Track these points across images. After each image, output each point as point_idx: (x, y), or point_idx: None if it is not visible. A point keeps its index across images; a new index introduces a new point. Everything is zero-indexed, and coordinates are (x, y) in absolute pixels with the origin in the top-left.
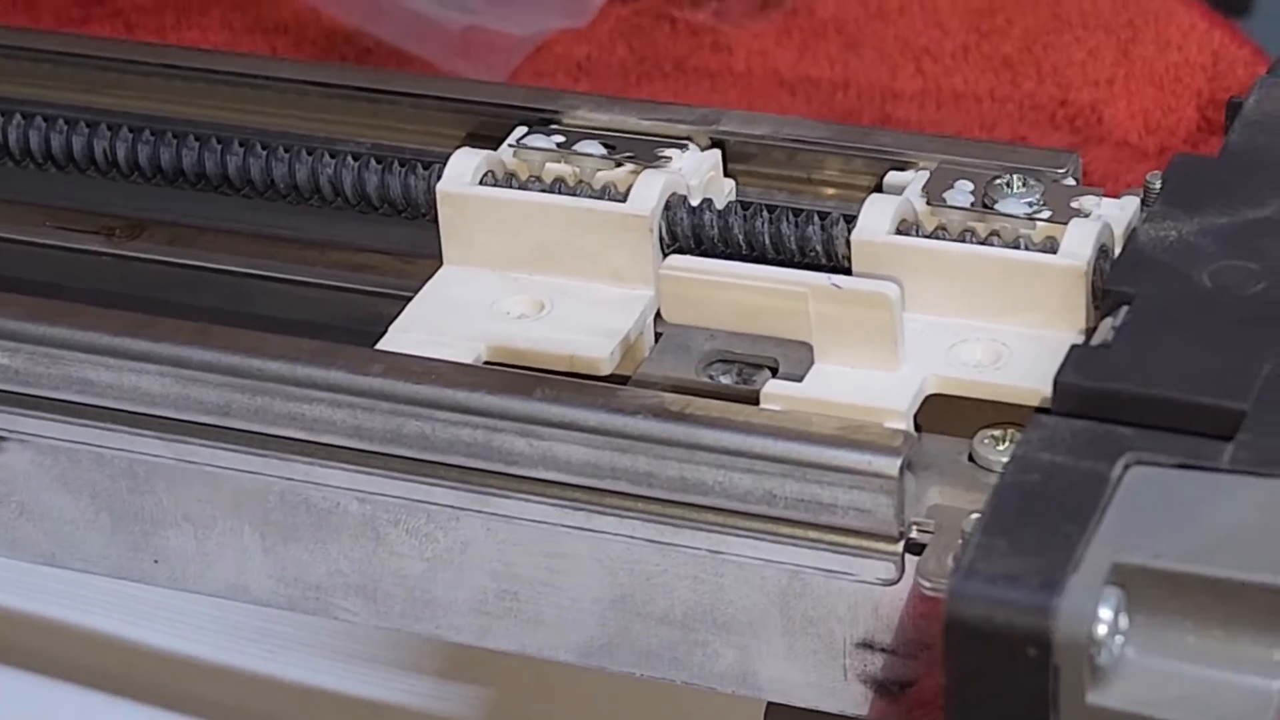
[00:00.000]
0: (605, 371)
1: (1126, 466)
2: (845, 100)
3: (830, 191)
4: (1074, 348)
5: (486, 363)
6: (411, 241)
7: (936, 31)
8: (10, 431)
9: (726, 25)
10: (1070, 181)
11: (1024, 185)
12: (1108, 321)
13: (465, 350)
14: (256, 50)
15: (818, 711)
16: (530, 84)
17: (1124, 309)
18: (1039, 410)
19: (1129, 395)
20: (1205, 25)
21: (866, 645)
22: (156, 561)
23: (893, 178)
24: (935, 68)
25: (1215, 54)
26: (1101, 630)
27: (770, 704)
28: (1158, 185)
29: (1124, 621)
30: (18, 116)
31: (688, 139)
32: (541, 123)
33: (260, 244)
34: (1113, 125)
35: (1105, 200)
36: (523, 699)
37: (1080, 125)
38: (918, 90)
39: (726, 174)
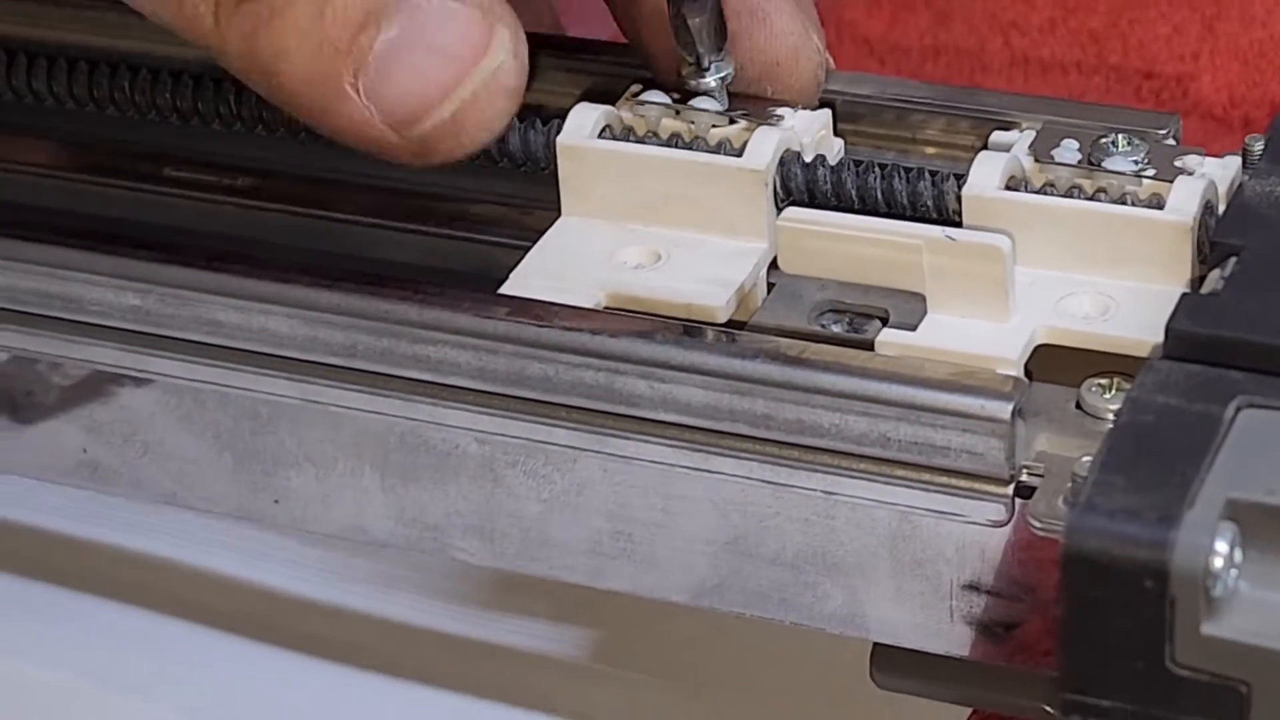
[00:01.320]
0: (721, 319)
1: (1238, 409)
2: (934, 70)
3: (935, 151)
4: (1184, 296)
5: (605, 309)
6: (526, 195)
7: (1024, 5)
8: (139, 371)
9: None
10: (1171, 142)
11: (1129, 144)
12: (1216, 272)
13: (585, 297)
14: None
15: (923, 652)
16: None
17: (1231, 260)
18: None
19: (1238, 341)
20: None
21: (973, 587)
22: (277, 501)
23: (998, 137)
24: (1023, 40)
25: None
26: (1217, 563)
27: (876, 645)
28: (1257, 148)
29: (1238, 556)
30: (143, 71)
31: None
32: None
33: (380, 196)
34: (1198, 99)
35: (1208, 160)
36: (630, 641)
37: (1166, 99)
38: (1005, 62)
39: (836, 133)
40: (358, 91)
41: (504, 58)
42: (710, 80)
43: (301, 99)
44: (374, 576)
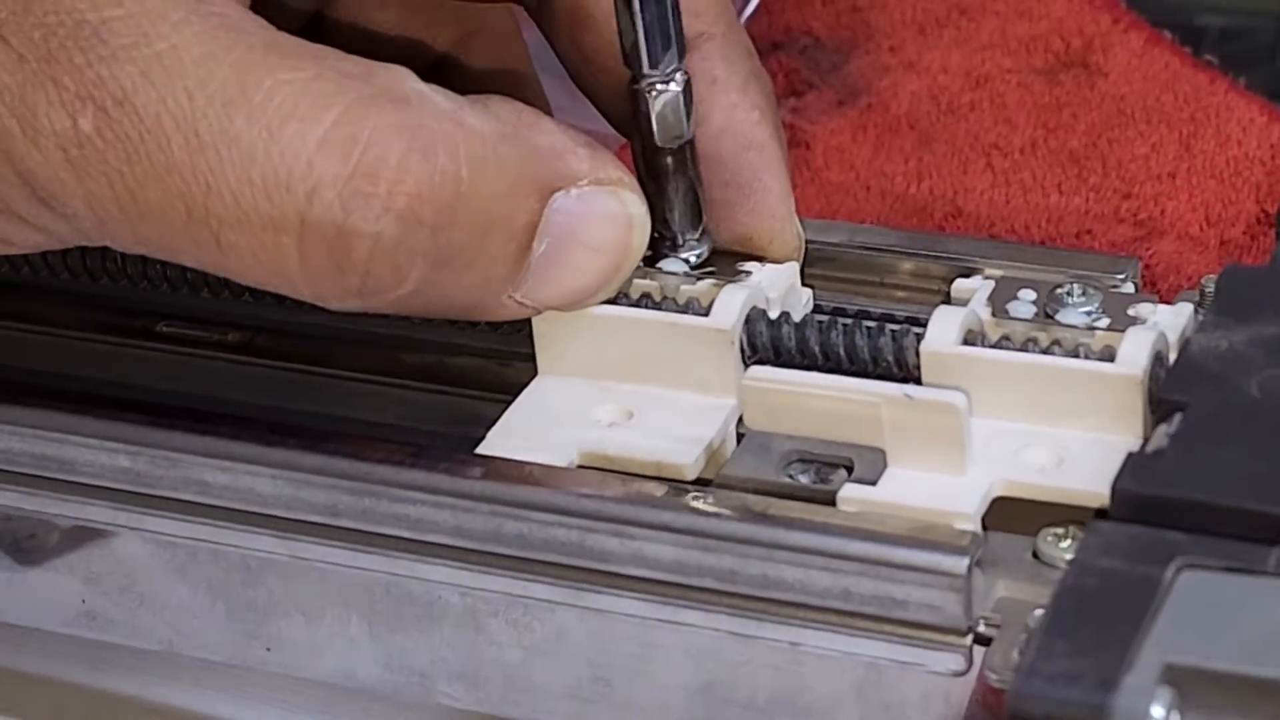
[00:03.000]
0: (690, 477)
1: (1179, 570)
2: (918, 194)
3: (902, 294)
4: (1130, 455)
5: (579, 467)
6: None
7: (1005, 127)
8: (132, 527)
9: (805, 122)
10: (1129, 287)
11: (1083, 294)
12: (1162, 428)
13: (559, 456)
14: None
15: None
16: None
17: (1177, 416)
18: (1098, 515)
19: (1181, 501)
20: (1264, 119)
21: None
22: (269, 649)
23: (960, 285)
24: (1004, 162)
25: (1274, 148)
26: None
27: None
28: (1212, 288)
29: (1175, 718)
30: None
31: None
32: None
33: (363, 351)
34: (1175, 218)
35: (1161, 307)
36: None
37: (1144, 219)
38: (988, 185)
39: (804, 281)
40: (517, 300)
41: (641, 221)
42: (683, 257)
43: (458, 314)
44: (366, 716)
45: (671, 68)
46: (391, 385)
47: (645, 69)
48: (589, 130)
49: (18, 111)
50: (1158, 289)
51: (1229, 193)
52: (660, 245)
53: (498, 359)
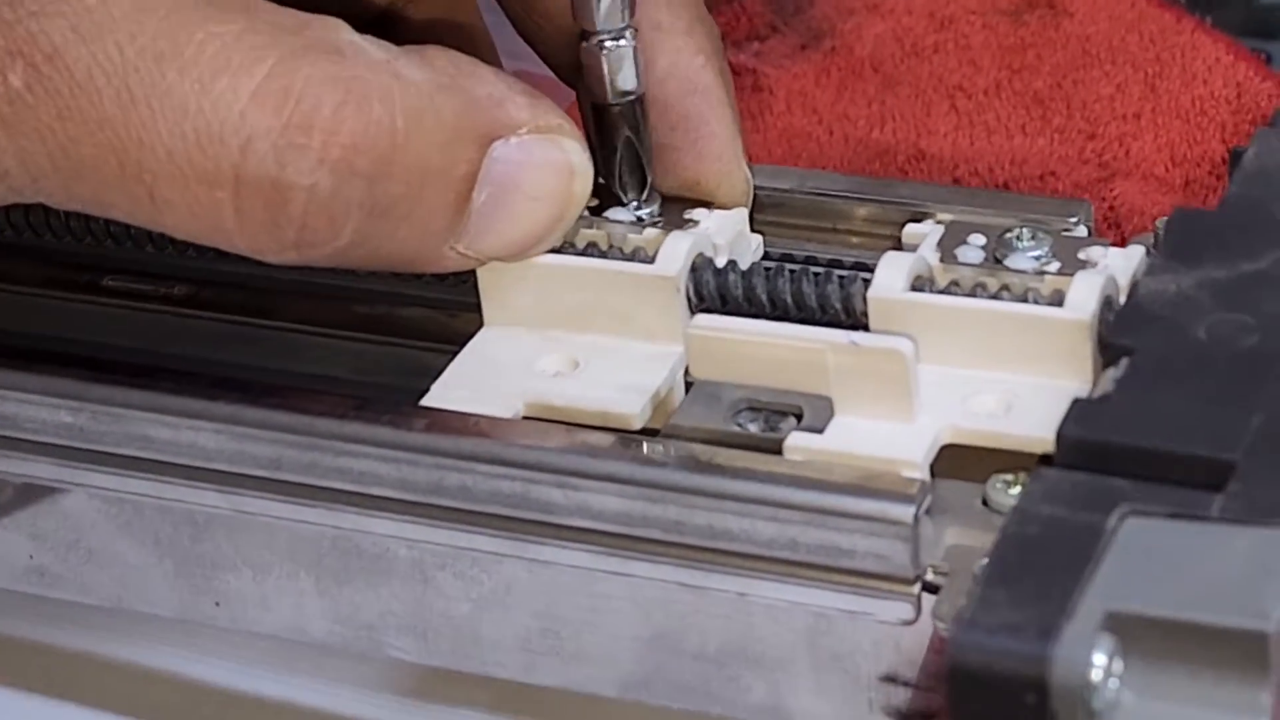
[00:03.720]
0: (637, 426)
1: (1122, 517)
2: (881, 138)
3: (855, 240)
4: (1076, 401)
5: (525, 418)
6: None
7: (970, 69)
8: (76, 483)
9: (767, 67)
10: (1081, 231)
11: (1033, 238)
12: (1109, 373)
13: (504, 407)
14: None
15: None
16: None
17: (1124, 361)
18: (1042, 461)
19: (1126, 448)
20: (1230, 59)
21: (889, 679)
22: (218, 604)
23: (911, 230)
24: (968, 104)
25: (1239, 86)
26: (1096, 675)
27: None
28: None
29: (1118, 666)
30: None
31: None
32: None
33: (309, 303)
34: (1140, 159)
35: (1112, 250)
36: None
37: (1108, 159)
38: (951, 127)
39: (754, 227)
40: (459, 251)
41: (583, 169)
42: (629, 215)
43: (399, 267)
44: (318, 670)
45: (622, 24)
46: (338, 337)
47: (596, 24)
48: (541, 80)
49: None
50: (1122, 230)
51: (1194, 133)
52: (608, 200)
53: (444, 310)
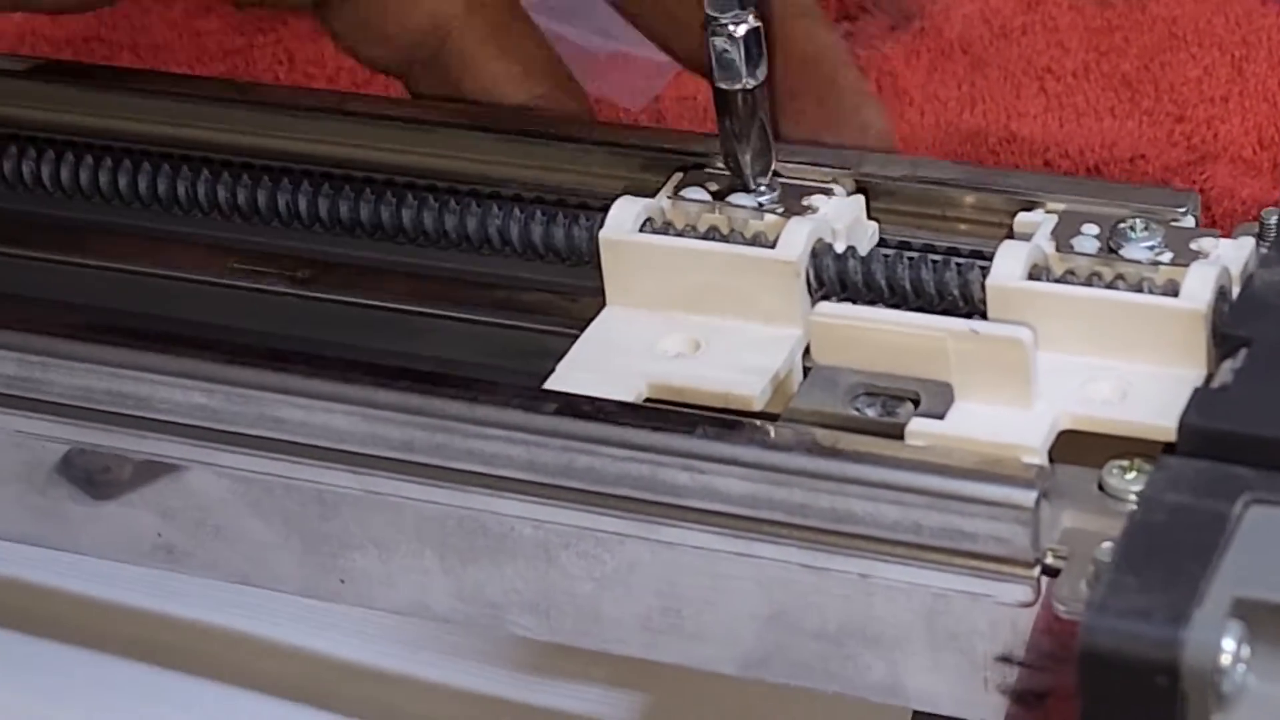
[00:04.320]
0: (757, 408)
1: (1246, 505)
2: (971, 119)
3: (963, 227)
4: (1196, 391)
5: (646, 399)
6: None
7: (1058, 50)
8: (207, 463)
9: (857, 47)
10: (1190, 221)
11: (1146, 229)
12: (1227, 364)
13: (627, 388)
14: None
15: (960, 719)
16: (671, 109)
17: (1242, 352)
18: (1165, 450)
19: (1248, 437)
20: None
21: (1005, 659)
22: (343, 581)
23: (1023, 219)
24: (1057, 86)
25: None
26: (1225, 660)
27: (916, 712)
28: (1274, 221)
29: (1246, 651)
30: (203, 170)
31: (833, 182)
32: (696, 166)
33: (431, 285)
34: (1228, 141)
35: (1223, 242)
36: (684, 705)
37: (1196, 142)
38: (1040, 109)
39: (870, 214)
40: None
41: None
42: (750, 201)
43: None
44: (438, 644)
45: (743, 9)
46: (460, 320)
47: (710, 9)
48: (639, 61)
49: None
50: (1212, 213)
51: None
52: (731, 185)
53: (565, 293)
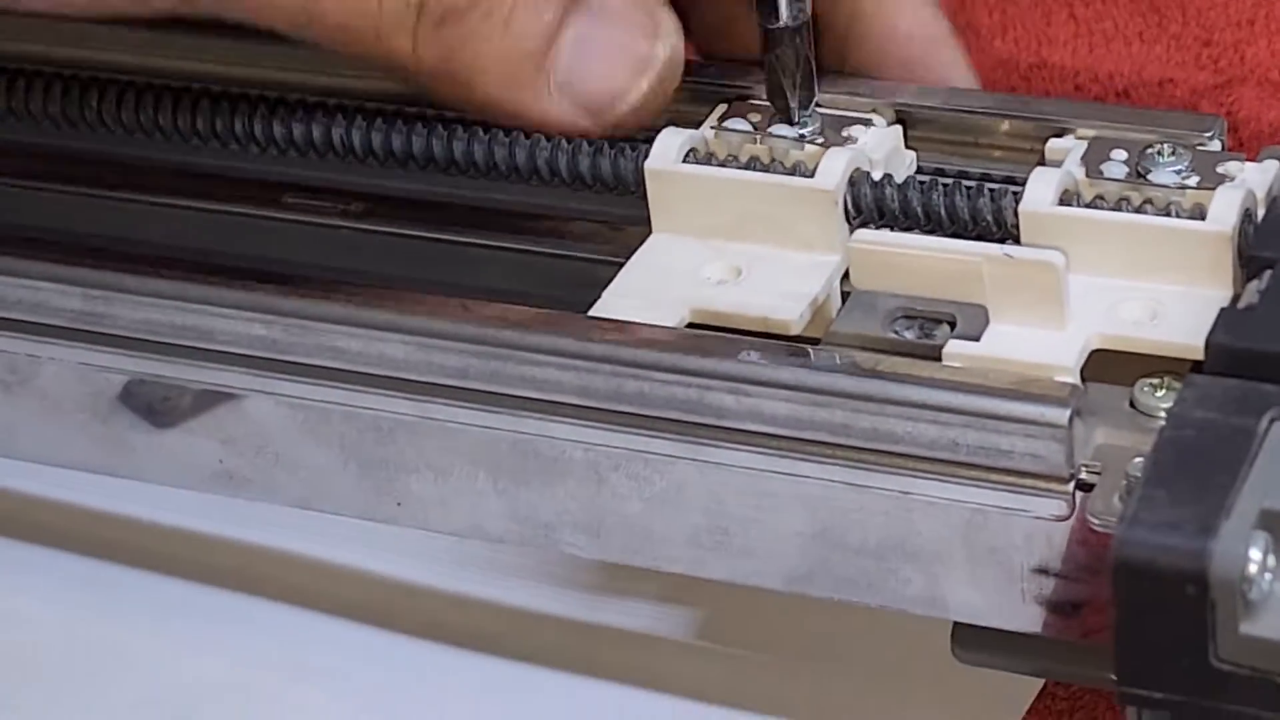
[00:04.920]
0: (795, 331)
1: (1271, 421)
2: (1003, 46)
3: (998, 154)
4: (1223, 311)
5: (689, 324)
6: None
7: None
8: (267, 392)
9: None
10: (1215, 145)
11: (1173, 154)
12: (1253, 285)
13: (671, 313)
14: None
15: (999, 629)
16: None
17: (1267, 273)
18: (1193, 369)
19: (1273, 355)
20: None
21: (1042, 571)
22: (400, 504)
23: (1054, 145)
24: (1087, 12)
25: None
26: (1252, 569)
27: (956, 624)
28: None
29: (1272, 560)
30: (260, 106)
31: (873, 113)
32: (740, 99)
33: (484, 216)
34: (1254, 64)
35: (1248, 165)
36: (732, 620)
37: (1224, 65)
38: (1070, 35)
39: (908, 144)
40: (551, 90)
41: (674, 39)
42: (792, 132)
43: (500, 105)
44: (491, 565)
45: None
46: (509, 250)
47: None
48: None
49: None
50: (1239, 135)
51: None
52: (770, 119)
53: (612, 223)
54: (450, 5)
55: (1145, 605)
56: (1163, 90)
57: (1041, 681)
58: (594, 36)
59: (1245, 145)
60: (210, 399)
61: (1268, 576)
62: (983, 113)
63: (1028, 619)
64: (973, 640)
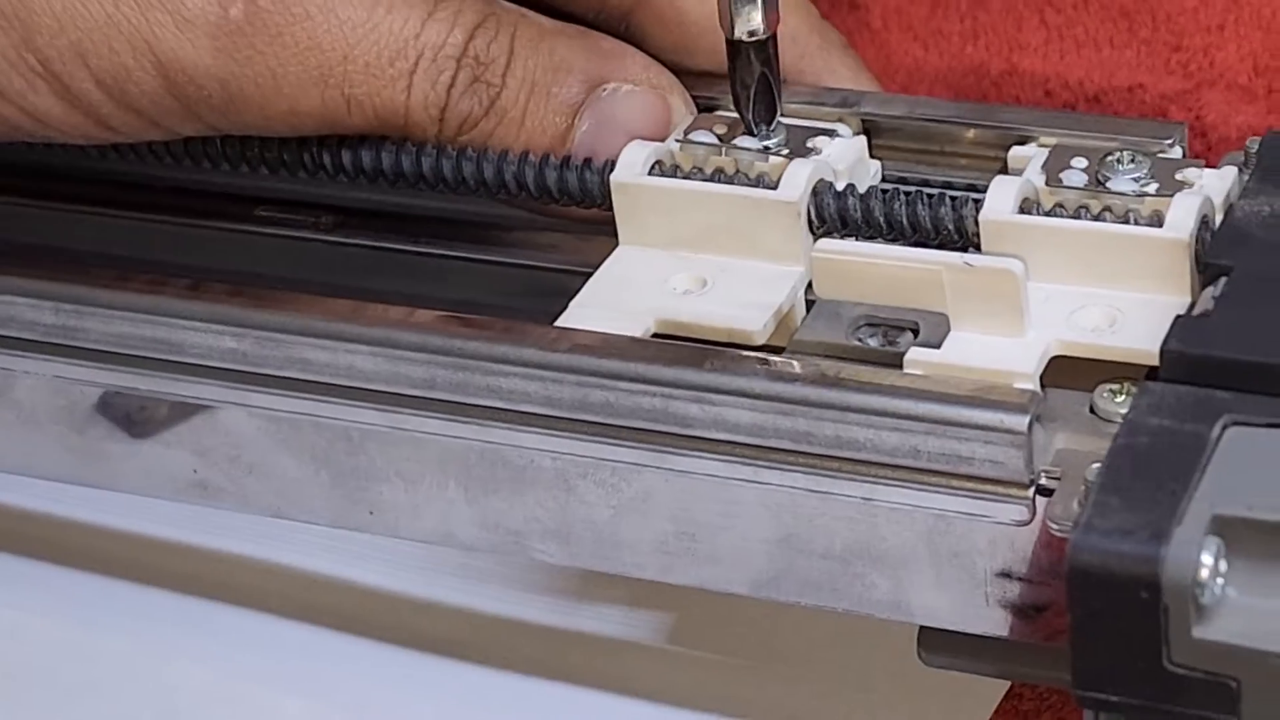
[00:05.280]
0: (759, 341)
1: (1225, 427)
2: (974, 52)
3: (963, 162)
4: (1178, 318)
5: (655, 334)
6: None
7: None
8: (239, 403)
9: None
10: (1176, 152)
11: (1133, 161)
12: (1208, 291)
13: (637, 324)
14: None
15: (963, 633)
16: None
17: (1223, 280)
18: (1148, 376)
19: (1227, 361)
20: None
21: (1005, 575)
22: (372, 513)
23: (1016, 152)
24: (1057, 18)
25: None
26: (1204, 574)
27: (922, 627)
28: (1255, 150)
29: (1224, 566)
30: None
31: (839, 121)
32: (705, 109)
33: (452, 228)
34: (1224, 69)
35: (1207, 172)
36: (701, 624)
37: (1193, 70)
38: (1041, 41)
39: (872, 153)
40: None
41: (682, 123)
42: (756, 144)
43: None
44: (463, 571)
45: None
46: (477, 261)
47: None
48: None
49: (170, 5)
50: (1208, 139)
51: (1277, 43)
52: (737, 131)
53: (579, 234)
54: (467, 113)
55: (1100, 610)
56: (1132, 95)
57: (1007, 684)
58: (605, 126)
59: (1214, 148)
60: (183, 410)
61: (1219, 581)
62: (947, 121)
63: (992, 622)
64: (938, 644)
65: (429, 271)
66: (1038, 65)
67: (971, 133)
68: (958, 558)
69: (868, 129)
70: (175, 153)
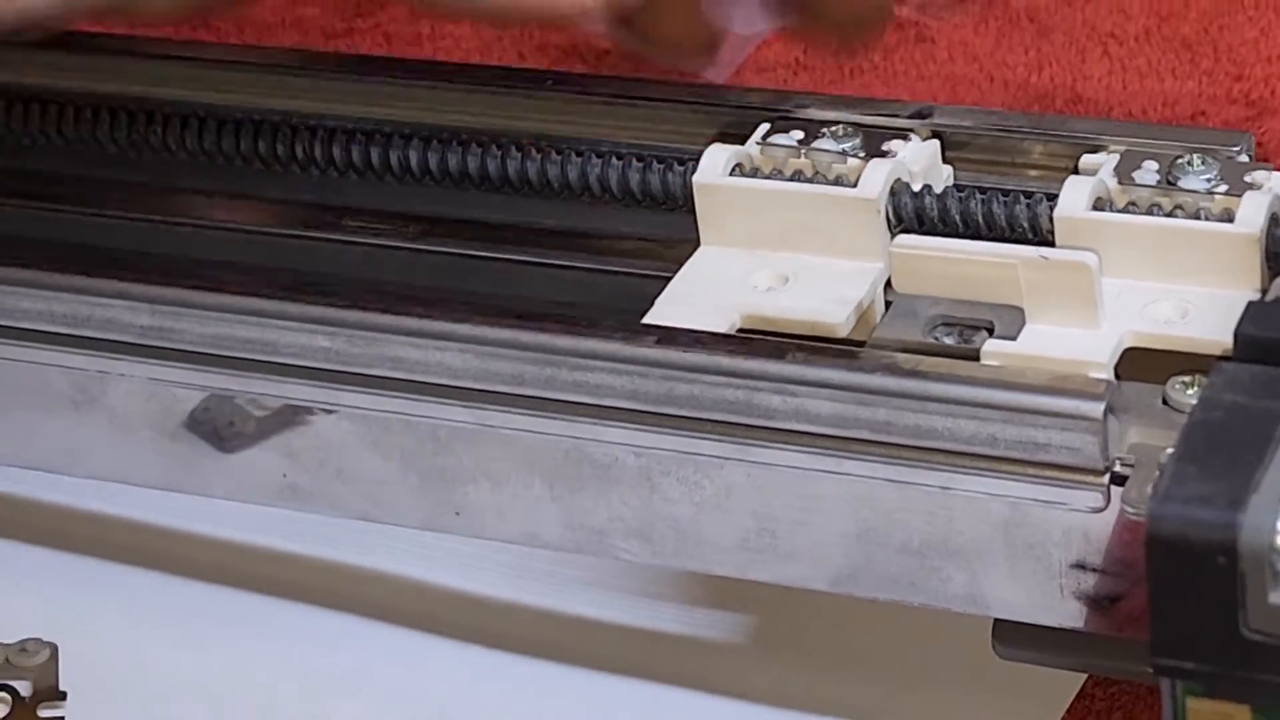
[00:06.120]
0: (842, 334)
1: None
2: (1039, 82)
3: (1034, 173)
4: (1251, 303)
5: (739, 330)
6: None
7: (1120, 16)
8: (330, 404)
9: (929, 18)
10: (1244, 158)
11: (1203, 163)
12: (1279, 281)
13: (721, 320)
14: (505, 58)
15: (1039, 625)
16: (753, 80)
17: None
18: (1221, 358)
19: None
20: None
21: (1079, 566)
22: (458, 514)
23: (1087, 159)
24: (1120, 50)
25: None
26: None
27: (997, 620)
28: None
29: None
30: (321, 130)
31: (910, 130)
32: (782, 120)
33: (538, 235)
34: None
35: (1275, 174)
36: (782, 624)
37: (1255, 99)
38: (1105, 72)
39: (945, 160)
40: None
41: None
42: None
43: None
44: (547, 574)
45: None
46: (562, 267)
47: None
48: None
49: None
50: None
51: None
52: (815, 133)
53: (662, 241)
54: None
55: (1178, 577)
56: (1195, 123)
57: (1082, 679)
58: None
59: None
60: (276, 412)
61: None
62: (1018, 132)
63: (1066, 614)
64: (1013, 637)
65: (513, 277)
66: (1101, 95)
67: (1042, 145)
68: (1033, 549)
69: (939, 138)
70: (265, 159)
